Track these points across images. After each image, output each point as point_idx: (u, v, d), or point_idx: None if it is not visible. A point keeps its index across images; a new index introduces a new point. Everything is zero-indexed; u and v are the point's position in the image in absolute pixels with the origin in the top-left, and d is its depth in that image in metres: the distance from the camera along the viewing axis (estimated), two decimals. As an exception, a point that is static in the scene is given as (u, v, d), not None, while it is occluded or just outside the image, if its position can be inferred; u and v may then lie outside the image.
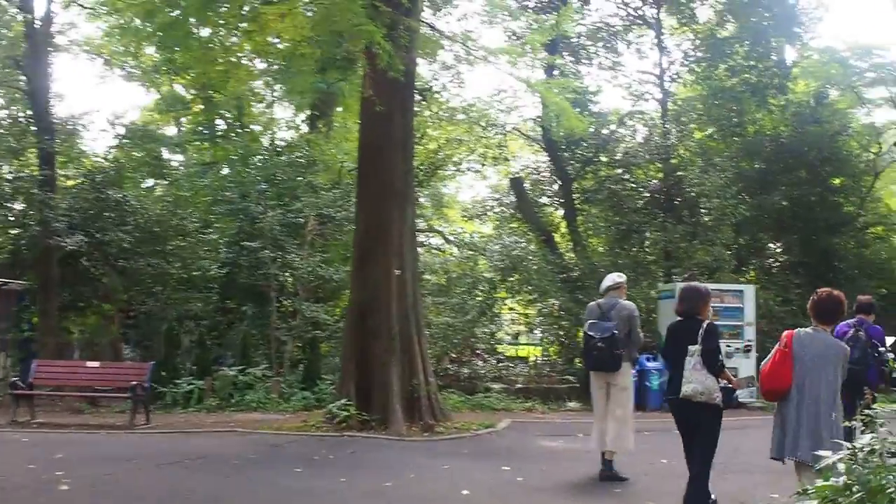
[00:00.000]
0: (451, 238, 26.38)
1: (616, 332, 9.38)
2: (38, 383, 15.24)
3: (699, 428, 7.02)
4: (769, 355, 6.61)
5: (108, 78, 27.62)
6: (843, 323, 9.43)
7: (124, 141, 26.31)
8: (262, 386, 17.67)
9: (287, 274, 19.88)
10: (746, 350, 17.97)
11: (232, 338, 20.06)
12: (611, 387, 9.65)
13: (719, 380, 6.99)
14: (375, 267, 14.16)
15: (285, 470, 9.74)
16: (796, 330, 6.58)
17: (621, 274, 10.10)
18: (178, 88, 31.65)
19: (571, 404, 18.05)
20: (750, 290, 18.68)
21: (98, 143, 41.78)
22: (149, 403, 14.85)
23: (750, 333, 18.20)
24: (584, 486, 9.41)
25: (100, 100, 56.60)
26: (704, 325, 7.09)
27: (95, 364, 15.34)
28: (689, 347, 7.00)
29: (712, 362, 6.94)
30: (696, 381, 6.90)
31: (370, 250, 14.32)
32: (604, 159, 23.82)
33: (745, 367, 17.82)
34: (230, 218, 21.28)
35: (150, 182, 25.72)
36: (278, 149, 23.91)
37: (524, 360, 22.81)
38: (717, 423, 7.02)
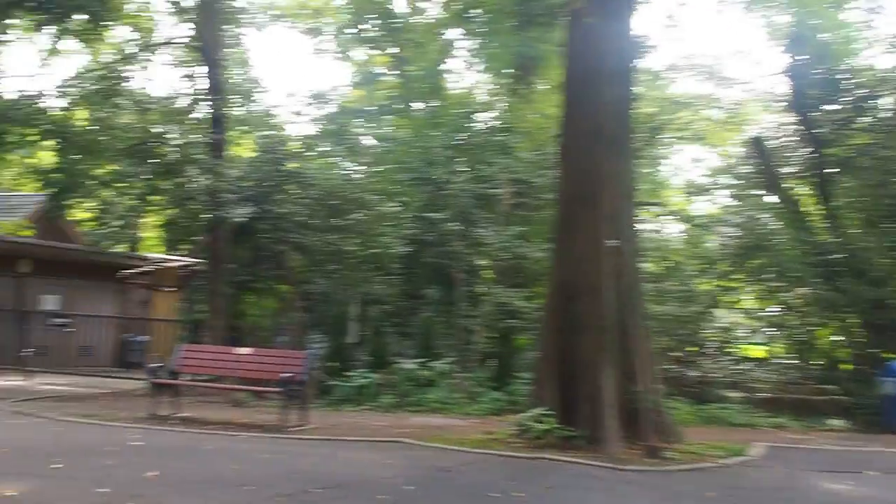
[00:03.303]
0: (672, 213, 22.60)
1: None
2: (185, 371, 13.02)
3: None
4: None
5: (304, 50, 26.19)
6: None
7: (310, 113, 24.50)
8: (445, 383, 14.89)
9: (477, 252, 16.95)
10: None
11: (414, 325, 17.30)
12: None
13: None
14: (582, 236, 10.88)
15: (449, 514, 6.68)
16: None
17: None
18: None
19: (835, 423, 14.09)
20: None
21: (285, 114, 40.41)
22: (306, 399, 12.26)
23: None
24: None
25: (305, 77, 54.97)
26: None
27: (247, 351, 12.88)
28: None
29: None
30: None
31: (575, 215, 11.04)
32: (864, 121, 19.43)
33: None
34: (414, 187, 18.57)
35: (343, 163, 23.64)
36: (471, 111, 21.02)
37: (762, 361, 18.75)
38: None
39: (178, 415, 12.08)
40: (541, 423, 10.14)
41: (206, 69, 18.28)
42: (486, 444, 10.37)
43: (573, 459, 9.32)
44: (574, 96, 11.42)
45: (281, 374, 11.67)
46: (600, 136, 10.97)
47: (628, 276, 11.06)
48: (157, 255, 24.98)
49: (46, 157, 21.73)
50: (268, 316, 19.24)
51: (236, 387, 13.72)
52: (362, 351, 16.87)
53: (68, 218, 20.57)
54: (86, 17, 15.97)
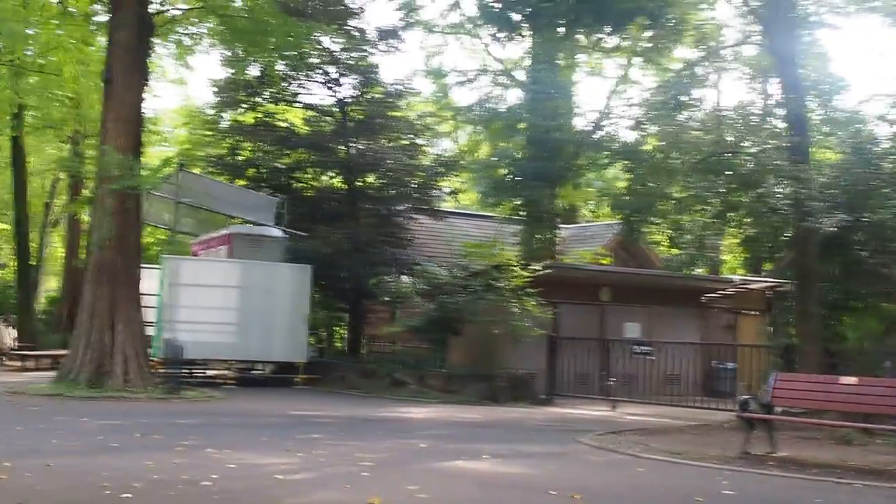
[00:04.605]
0: None
1: None
2: (779, 403, 11.37)
3: None
4: None
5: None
6: None
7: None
8: None
9: None
10: None
11: None
12: None
13: None
14: None
15: None
16: None
17: None
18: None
19: None
20: None
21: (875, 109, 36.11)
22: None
23: None
24: None
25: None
26: None
27: (851, 380, 10.82)
28: None
29: None
30: None
31: None
32: None
33: None
34: None
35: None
36: None
37: None
38: None
39: (775, 454, 10.53)
40: None
41: (779, 70, 16.57)
42: None
43: None
44: None
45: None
46: None
47: None
48: (739, 276, 23.79)
49: (618, 182, 21.85)
50: (870, 339, 16.75)
51: (845, 423, 11.67)
52: None
53: (645, 242, 20.27)
54: (646, 22, 15.39)
